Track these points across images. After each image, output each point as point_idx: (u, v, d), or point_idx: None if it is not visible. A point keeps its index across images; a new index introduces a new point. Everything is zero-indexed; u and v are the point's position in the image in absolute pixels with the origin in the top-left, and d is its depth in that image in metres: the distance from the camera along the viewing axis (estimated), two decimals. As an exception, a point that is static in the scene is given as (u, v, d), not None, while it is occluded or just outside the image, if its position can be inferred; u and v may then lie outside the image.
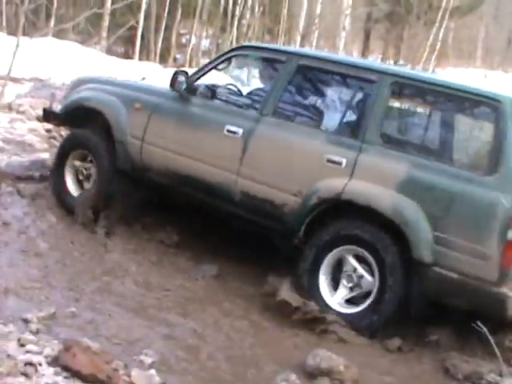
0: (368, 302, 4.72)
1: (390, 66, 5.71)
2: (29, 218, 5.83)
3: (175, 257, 5.73)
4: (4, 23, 21.15)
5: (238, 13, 22.96)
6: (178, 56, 24.15)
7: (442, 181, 4.59)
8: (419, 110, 5.38)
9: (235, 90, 6.10)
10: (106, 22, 21.06)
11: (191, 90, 5.75)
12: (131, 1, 19.02)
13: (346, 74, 5.34)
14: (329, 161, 4.93)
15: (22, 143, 7.99)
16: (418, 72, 5.55)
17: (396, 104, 5.38)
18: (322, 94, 5.58)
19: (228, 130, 5.39)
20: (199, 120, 5.60)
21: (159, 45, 22.07)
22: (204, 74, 5.93)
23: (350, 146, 4.94)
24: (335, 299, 4.84)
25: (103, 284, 4.96)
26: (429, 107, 5.37)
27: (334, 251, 4.86)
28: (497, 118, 4.63)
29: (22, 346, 3.53)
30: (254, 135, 5.31)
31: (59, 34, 18.32)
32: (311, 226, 4.98)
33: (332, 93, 5.50)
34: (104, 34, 21.12)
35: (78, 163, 6.19)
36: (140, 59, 19.52)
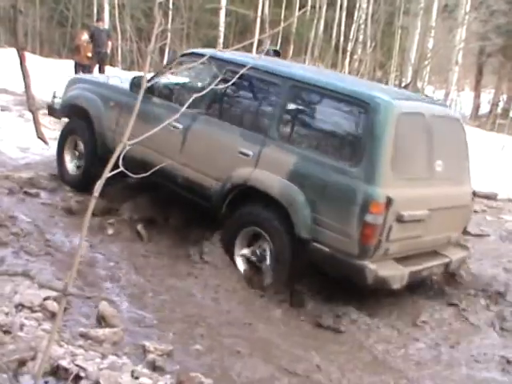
0: (268, 269, 5.82)
1: (293, 70, 6.31)
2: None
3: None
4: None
5: (349, 48, 23.06)
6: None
7: (320, 171, 5.53)
8: (309, 109, 6.05)
9: (181, 90, 7.02)
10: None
11: (149, 90, 6.67)
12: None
13: (258, 78, 6.18)
14: (240, 153, 5.96)
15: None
16: (312, 75, 6.15)
17: (292, 104, 6.02)
18: (240, 95, 6.60)
19: (173, 126, 6.29)
20: (153, 116, 6.49)
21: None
22: (160, 77, 7.16)
23: (256, 140, 5.94)
24: (245, 266, 5.99)
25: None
26: (316, 106, 6.08)
27: (244, 230, 5.95)
28: (363, 117, 5.48)
29: (136, 378, 3.68)
30: (190, 130, 6.41)
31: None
32: (234, 206, 6.03)
33: (247, 93, 6.55)
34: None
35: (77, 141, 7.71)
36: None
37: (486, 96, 31.91)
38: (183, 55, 7.45)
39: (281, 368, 4.51)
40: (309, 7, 21.58)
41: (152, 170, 2.94)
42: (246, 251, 6.00)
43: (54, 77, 19.01)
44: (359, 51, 23.36)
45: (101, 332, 4.37)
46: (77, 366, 3.62)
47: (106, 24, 21.89)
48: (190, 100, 2.81)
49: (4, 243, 5.67)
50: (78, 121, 7.65)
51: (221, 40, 22.19)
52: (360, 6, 22.88)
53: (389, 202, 5.25)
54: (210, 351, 4.51)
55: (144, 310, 5.03)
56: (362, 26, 23.22)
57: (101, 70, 17.23)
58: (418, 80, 20.11)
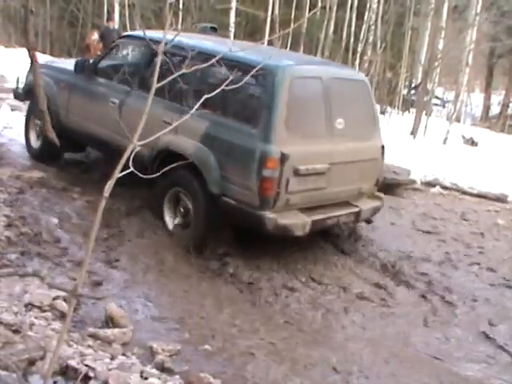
0: (190, 224, 6.58)
1: (204, 44, 6.96)
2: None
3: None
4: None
5: (359, 49, 23.00)
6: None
7: (226, 133, 6.27)
8: (218, 79, 6.31)
9: (120, 70, 7.58)
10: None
11: (94, 71, 7.80)
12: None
13: (177, 54, 6.37)
14: (163, 121, 6.40)
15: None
16: (220, 48, 6.60)
17: (204, 76, 6.60)
18: (164, 71, 6.42)
19: (111, 102, 7.36)
20: (95, 94, 7.57)
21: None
22: (102, 59, 8.05)
23: (176, 110, 6.59)
24: (173, 223, 6.76)
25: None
26: (224, 77, 5.83)
27: (169, 191, 6.74)
28: (261, 83, 6.15)
29: (145, 379, 3.68)
30: (124, 105, 7.17)
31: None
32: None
33: (169, 69, 6.44)
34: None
35: (36, 121, 8.62)
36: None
37: (497, 97, 31.82)
38: (121, 38, 8.42)
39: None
40: (319, 8, 21.49)
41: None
42: (171, 210, 6.81)
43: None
44: (369, 52, 23.28)
45: (110, 332, 4.38)
46: (86, 366, 3.62)
47: (116, 24, 21.91)
48: (201, 100, 2.74)
49: (14, 243, 5.69)
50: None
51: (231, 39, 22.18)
52: (370, 6, 22.75)
53: (283, 157, 5.92)
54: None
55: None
56: (372, 27, 23.11)
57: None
58: (428, 81, 20.01)
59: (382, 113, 21.70)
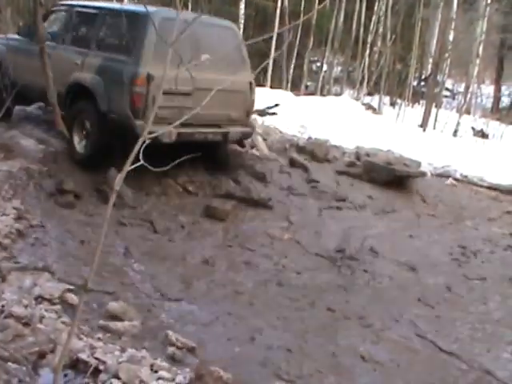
0: (88, 141, 8.32)
1: (97, 2, 9.82)
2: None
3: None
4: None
5: (369, 40, 22.87)
6: (308, 83, 24.27)
7: (111, 64, 8.17)
8: (110, 27, 8.74)
9: (53, 31, 9.47)
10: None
11: (32, 34, 8.88)
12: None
13: (83, 12, 9.24)
14: (75, 63, 8.54)
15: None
16: (108, 5, 9.53)
17: (101, 25, 8.79)
18: (80, 28, 9.35)
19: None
20: (32, 53, 8.48)
21: (291, 72, 22.32)
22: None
23: (83, 53, 8.62)
24: (80, 145, 8.42)
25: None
26: (114, 24, 8.69)
27: (76, 119, 8.39)
28: (137, 26, 7.93)
29: (155, 372, 3.68)
30: (52, 56, 8.11)
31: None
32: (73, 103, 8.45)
33: (81, 25, 9.32)
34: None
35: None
36: (272, 87, 19.74)
37: (508, 89, 31.57)
38: (54, 6, 10.56)
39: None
40: (328, -1, 21.41)
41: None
42: (78, 135, 8.40)
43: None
44: (379, 43, 23.15)
45: (120, 325, 4.37)
46: (96, 359, 3.62)
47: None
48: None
49: (23, 235, 5.70)
50: None
51: (241, 31, 22.11)
52: (380, -3, 22.67)
53: (149, 77, 7.50)
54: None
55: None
56: (382, 18, 22.98)
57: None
58: (439, 73, 19.89)
59: (392, 105, 21.62)
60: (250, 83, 8.76)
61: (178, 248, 6.54)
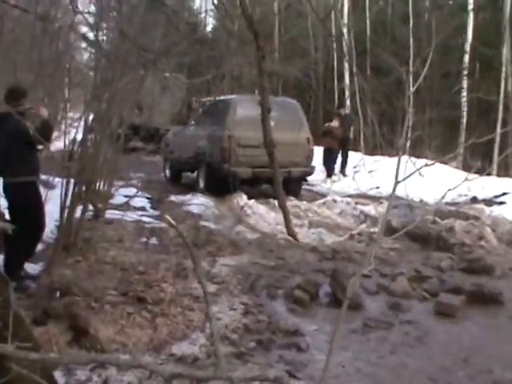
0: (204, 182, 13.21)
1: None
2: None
3: None
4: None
5: None
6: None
7: (212, 132, 12.73)
8: (214, 110, 13.18)
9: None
10: (461, 138, 21.15)
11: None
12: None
13: (207, 104, 13.89)
14: (199, 136, 13.23)
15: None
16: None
17: (211, 109, 13.52)
18: (203, 114, 14.22)
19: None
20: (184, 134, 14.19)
21: (518, 159, 21.35)
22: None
23: (203, 129, 13.15)
24: (201, 183, 13.20)
25: None
26: (215, 108, 13.19)
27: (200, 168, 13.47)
28: (224, 108, 12.38)
29: None
30: (190, 132, 13.55)
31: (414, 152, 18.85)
32: None
33: (204, 112, 14.24)
34: (461, 151, 21.17)
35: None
36: (498, 174, 18.96)
37: None
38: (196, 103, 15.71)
39: None
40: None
41: None
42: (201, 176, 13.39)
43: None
44: None
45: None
46: None
47: (347, 109, 22.44)
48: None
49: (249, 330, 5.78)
50: None
51: (464, 120, 21.72)
52: None
53: (230, 137, 11.99)
54: None
55: None
56: None
57: (344, 155, 17.59)
58: None
59: None
60: (308, 138, 13.14)
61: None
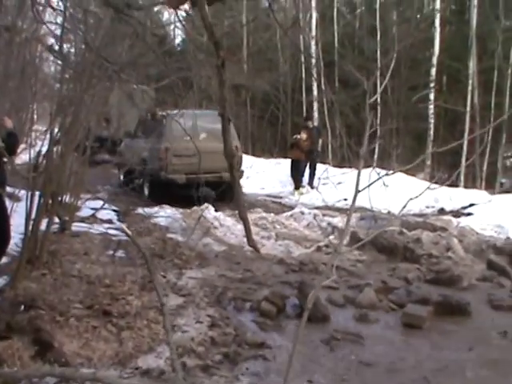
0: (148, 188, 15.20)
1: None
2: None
3: None
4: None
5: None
6: (503, 180, 23.29)
7: (153, 144, 14.61)
8: (155, 124, 14.98)
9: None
10: (428, 149, 21.35)
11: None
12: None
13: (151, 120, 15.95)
14: (143, 147, 15.30)
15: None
16: None
17: (153, 123, 15.31)
18: (146, 128, 16.22)
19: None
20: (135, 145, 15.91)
21: (484, 170, 21.63)
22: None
23: (146, 141, 15.21)
24: (146, 190, 15.04)
25: None
26: (156, 123, 15.06)
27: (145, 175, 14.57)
28: (162, 122, 14.05)
29: None
30: (136, 144, 15.83)
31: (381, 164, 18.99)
32: None
33: (147, 126, 16.19)
34: (428, 162, 21.38)
35: None
36: (466, 186, 19.17)
37: None
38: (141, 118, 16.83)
39: None
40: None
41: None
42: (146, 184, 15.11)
43: (265, 174, 19.80)
44: None
45: None
46: None
47: (315, 122, 22.55)
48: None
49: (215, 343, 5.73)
50: None
51: (431, 132, 21.94)
52: None
53: (166, 148, 13.88)
54: None
55: None
56: None
57: (311, 167, 17.64)
58: None
59: None
60: (236, 146, 13.51)
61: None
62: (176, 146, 13.34)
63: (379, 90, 2.59)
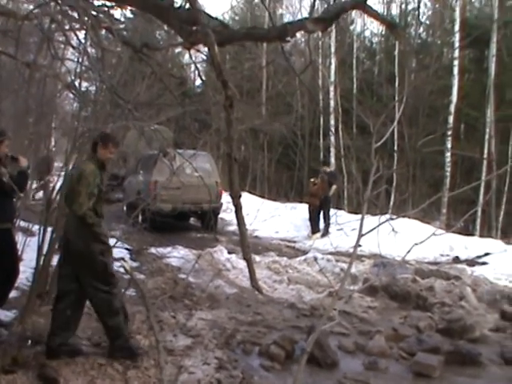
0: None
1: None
2: None
3: None
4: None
5: None
6: (521, 231, 23.09)
7: (145, 178, 16.89)
8: (147, 160, 17.25)
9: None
10: (445, 198, 21.27)
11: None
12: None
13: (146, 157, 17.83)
14: (141, 181, 17.57)
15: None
16: None
17: (148, 160, 17.13)
18: (144, 165, 18.22)
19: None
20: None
21: (500, 220, 21.49)
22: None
23: (142, 175, 17.56)
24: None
25: None
26: (148, 160, 17.09)
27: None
28: (152, 159, 15.99)
29: None
30: (135, 179, 18.25)
31: (398, 211, 18.87)
32: None
33: (144, 163, 18.04)
34: (444, 210, 21.27)
35: None
36: (481, 235, 19.01)
37: None
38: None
39: None
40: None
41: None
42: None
43: (280, 218, 19.76)
44: None
45: None
46: None
47: (332, 166, 22.59)
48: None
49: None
50: None
51: (447, 180, 21.87)
52: None
53: (155, 182, 15.44)
54: None
55: None
56: None
57: (325, 213, 17.58)
58: None
59: None
60: (216, 181, 16.46)
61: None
62: (164, 179, 14.07)
63: (386, 134, 2.57)
